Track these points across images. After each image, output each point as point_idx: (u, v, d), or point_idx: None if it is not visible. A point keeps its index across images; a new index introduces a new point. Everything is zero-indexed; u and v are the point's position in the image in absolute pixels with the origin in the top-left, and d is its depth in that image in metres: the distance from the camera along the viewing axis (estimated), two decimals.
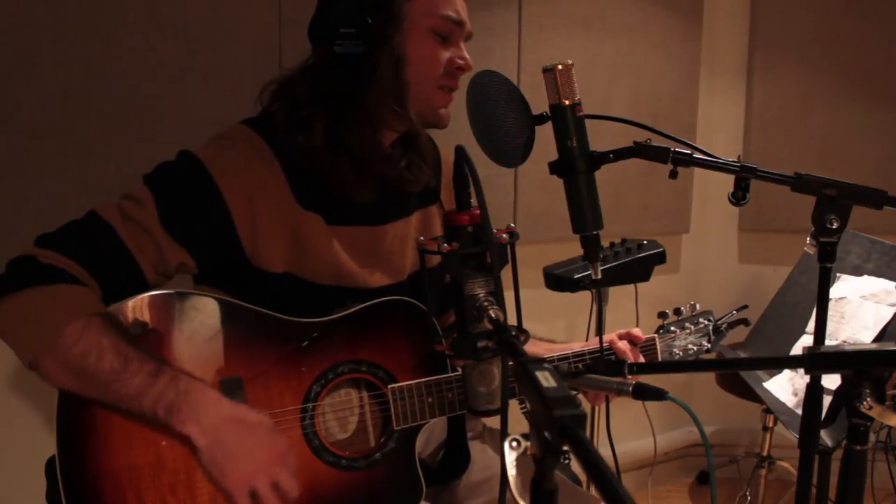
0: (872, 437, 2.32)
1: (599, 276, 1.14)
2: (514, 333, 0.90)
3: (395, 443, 1.27)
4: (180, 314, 1.17)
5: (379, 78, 1.24)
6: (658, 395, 1.08)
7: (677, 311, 1.54)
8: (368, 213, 1.34)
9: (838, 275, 1.84)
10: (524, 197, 2.48)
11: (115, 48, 1.75)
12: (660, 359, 1.53)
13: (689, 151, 1.11)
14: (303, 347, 1.22)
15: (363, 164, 1.29)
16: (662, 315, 1.54)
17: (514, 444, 0.70)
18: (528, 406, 0.73)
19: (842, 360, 0.98)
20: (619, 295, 2.25)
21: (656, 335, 1.53)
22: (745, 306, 1.67)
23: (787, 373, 1.79)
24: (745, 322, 1.67)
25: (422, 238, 1.11)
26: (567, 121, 1.09)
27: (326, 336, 1.24)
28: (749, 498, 2.58)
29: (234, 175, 1.21)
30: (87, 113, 1.74)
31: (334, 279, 1.30)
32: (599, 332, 1.31)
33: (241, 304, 1.21)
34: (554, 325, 2.65)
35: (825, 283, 1.11)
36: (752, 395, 1.85)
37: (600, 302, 1.37)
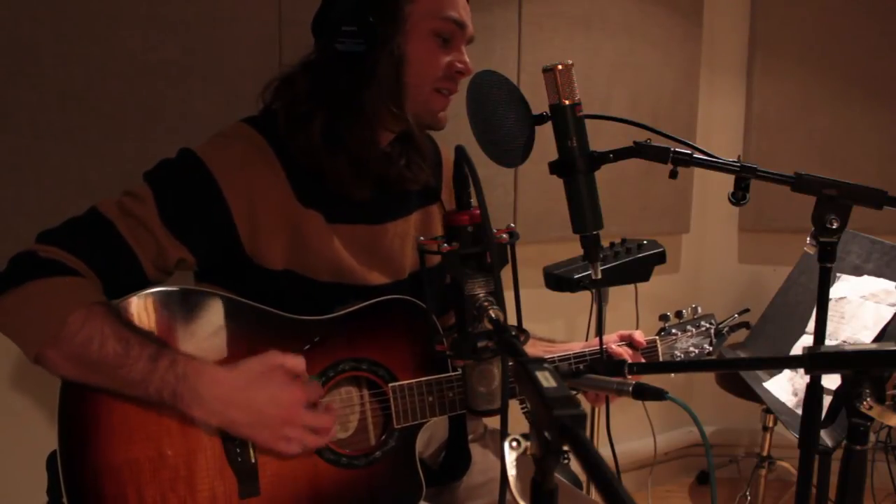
0: (872, 437, 2.31)
1: (599, 276, 1.14)
2: (514, 333, 0.90)
3: (396, 441, 1.27)
4: (183, 311, 1.17)
5: (378, 78, 1.24)
6: (658, 395, 1.08)
7: (679, 314, 1.54)
8: (369, 212, 1.34)
9: (838, 275, 1.85)
10: (524, 197, 2.47)
11: (115, 48, 1.75)
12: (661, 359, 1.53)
13: (689, 151, 1.11)
14: (304, 346, 1.22)
15: (361, 163, 1.29)
16: (664, 318, 1.54)
17: (514, 444, 0.70)
18: (528, 406, 0.73)
19: (842, 360, 0.98)
20: (619, 295, 2.25)
21: (658, 337, 1.53)
22: (747, 310, 1.67)
23: (787, 373, 1.79)
24: (746, 325, 1.67)
25: (422, 238, 1.11)
26: (567, 121, 1.09)
27: (327, 334, 1.24)
28: (749, 498, 2.58)
29: (234, 173, 1.21)
30: (87, 113, 1.74)
31: (334, 276, 1.30)
32: (599, 332, 1.31)
33: (243, 301, 1.22)
34: (554, 325, 2.65)
35: (825, 283, 1.11)
36: (752, 395, 1.85)
37: (600, 302, 1.37)
